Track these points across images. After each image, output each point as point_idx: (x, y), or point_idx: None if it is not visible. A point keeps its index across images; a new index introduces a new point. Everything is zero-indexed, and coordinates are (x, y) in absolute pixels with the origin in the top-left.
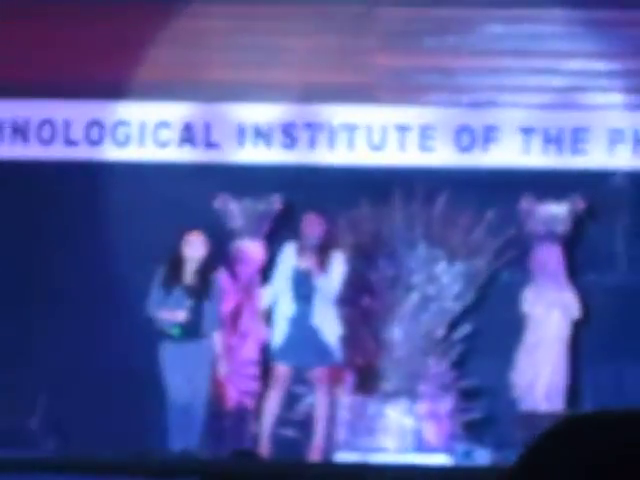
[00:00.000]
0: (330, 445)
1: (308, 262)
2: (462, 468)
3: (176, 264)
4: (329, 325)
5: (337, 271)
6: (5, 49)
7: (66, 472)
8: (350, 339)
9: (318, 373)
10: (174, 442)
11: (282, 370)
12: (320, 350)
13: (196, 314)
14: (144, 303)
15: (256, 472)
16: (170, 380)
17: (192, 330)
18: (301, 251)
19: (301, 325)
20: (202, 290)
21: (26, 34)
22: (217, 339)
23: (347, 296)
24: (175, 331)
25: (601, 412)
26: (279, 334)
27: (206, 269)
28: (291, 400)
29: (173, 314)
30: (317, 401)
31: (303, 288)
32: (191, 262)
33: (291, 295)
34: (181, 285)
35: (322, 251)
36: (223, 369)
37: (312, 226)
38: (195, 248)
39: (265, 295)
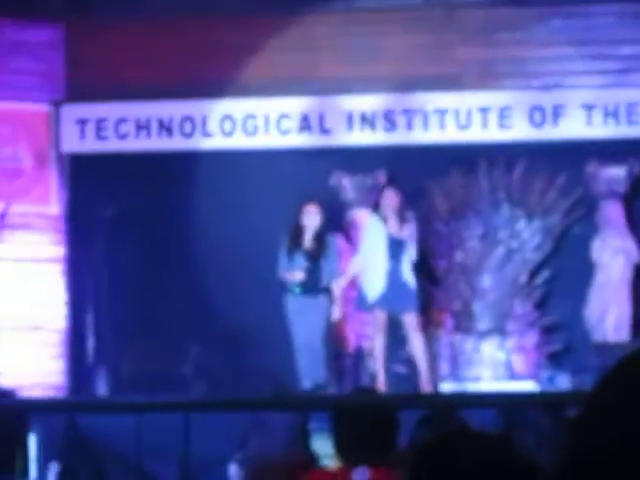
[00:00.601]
0: (435, 377)
1: (391, 228)
2: (547, 392)
3: (297, 232)
4: (413, 279)
5: (412, 232)
6: (148, 59)
7: (214, 410)
8: (448, 287)
9: (410, 317)
10: (304, 381)
11: (381, 316)
12: (409, 298)
13: (314, 273)
14: (272, 265)
15: (376, 404)
16: (296, 329)
17: (311, 287)
18: (386, 219)
19: (394, 278)
20: (319, 252)
21: (170, 45)
22: (337, 290)
23: (444, 251)
24: (297, 290)
25: None
26: (378, 286)
27: (321, 234)
28: (399, 342)
29: (294, 275)
30: (413, 341)
31: (390, 249)
32: (309, 230)
33: (383, 255)
34: (301, 249)
35: (401, 217)
36: (343, 316)
37: (391, 198)
38: (312, 217)
39: (361, 255)
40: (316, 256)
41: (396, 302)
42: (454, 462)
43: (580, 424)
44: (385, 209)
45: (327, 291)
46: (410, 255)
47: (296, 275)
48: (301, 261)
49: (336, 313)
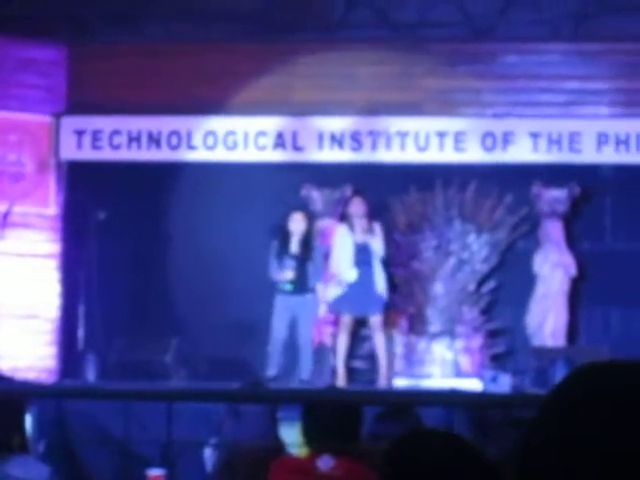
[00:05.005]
0: (390, 373)
1: (359, 235)
2: (495, 394)
3: (285, 237)
4: (382, 282)
5: (379, 238)
6: (141, 78)
7: (194, 400)
8: (405, 293)
9: (376, 319)
10: (278, 373)
11: (347, 318)
12: (376, 301)
13: (302, 274)
14: (252, 265)
15: (340, 398)
16: (279, 324)
17: (300, 286)
18: (354, 227)
19: (361, 283)
20: (306, 255)
21: (160, 67)
22: (320, 291)
23: (402, 260)
24: (287, 287)
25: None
26: (345, 291)
27: (308, 239)
28: (359, 340)
29: (285, 274)
30: (376, 340)
31: (359, 255)
32: (296, 235)
33: (351, 261)
34: (289, 253)
35: (368, 225)
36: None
37: (358, 206)
38: (298, 224)
39: (334, 262)
40: (303, 259)
41: (363, 305)
42: (427, 458)
43: (536, 424)
44: (353, 217)
45: (313, 291)
46: (377, 261)
47: (287, 274)
48: (290, 262)
49: (321, 311)
